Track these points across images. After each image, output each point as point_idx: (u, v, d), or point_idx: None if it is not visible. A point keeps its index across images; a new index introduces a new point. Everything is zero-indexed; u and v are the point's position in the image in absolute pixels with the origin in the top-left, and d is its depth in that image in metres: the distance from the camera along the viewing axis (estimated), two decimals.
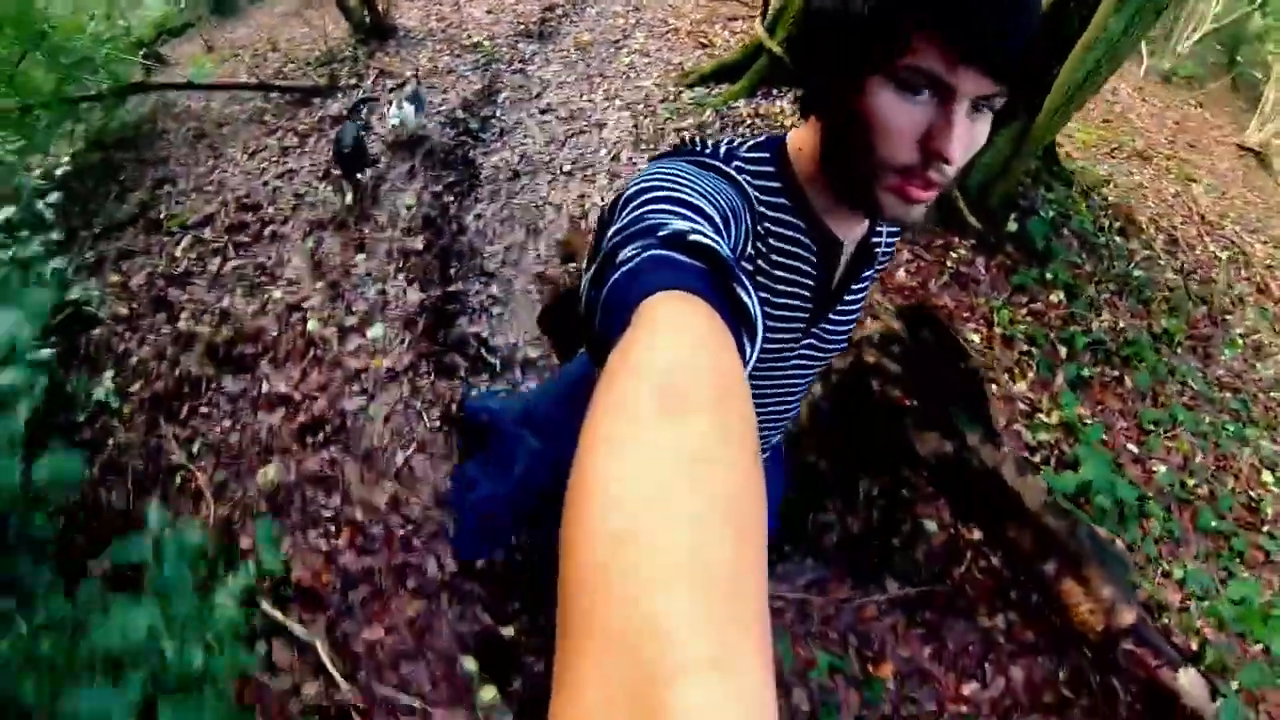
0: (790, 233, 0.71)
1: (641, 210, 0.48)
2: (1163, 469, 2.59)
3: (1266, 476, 2.74)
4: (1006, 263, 3.18)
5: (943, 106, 0.57)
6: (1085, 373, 2.85)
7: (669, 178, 0.54)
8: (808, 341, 0.81)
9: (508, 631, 1.88)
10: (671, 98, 4.24)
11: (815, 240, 0.72)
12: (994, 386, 2.66)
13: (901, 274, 3.03)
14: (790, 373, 0.83)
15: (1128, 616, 1.87)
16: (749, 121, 3.91)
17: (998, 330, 2.89)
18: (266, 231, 3.18)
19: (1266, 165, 6.30)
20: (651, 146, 3.79)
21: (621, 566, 0.23)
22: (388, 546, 1.97)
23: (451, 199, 3.49)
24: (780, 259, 0.71)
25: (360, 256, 3.08)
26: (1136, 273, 3.44)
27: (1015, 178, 3.23)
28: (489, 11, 5.65)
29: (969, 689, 1.91)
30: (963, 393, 1.99)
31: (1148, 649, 1.87)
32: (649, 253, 0.42)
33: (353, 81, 4.45)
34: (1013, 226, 3.21)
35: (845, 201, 0.69)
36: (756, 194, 0.68)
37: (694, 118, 3.99)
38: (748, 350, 0.40)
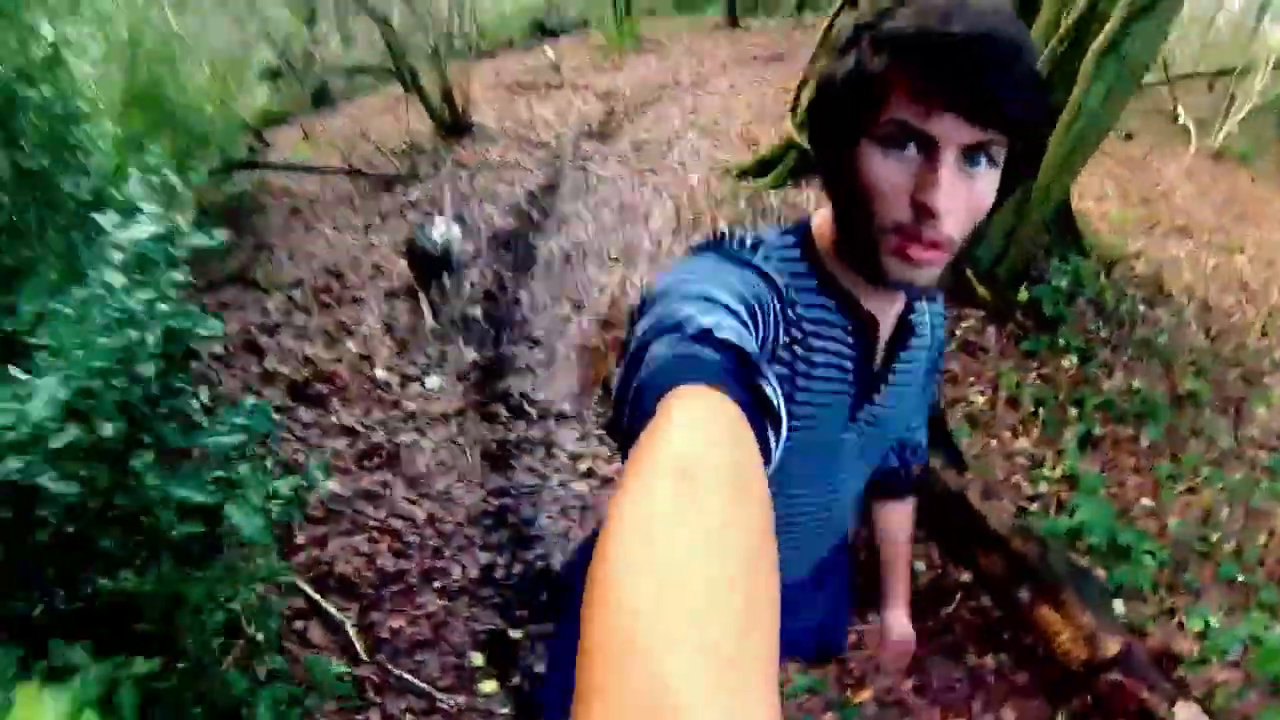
0: (822, 314, 0.72)
1: (668, 307, 0.49)
2: (1174, 521, 2.60)
3: None
4: (1017, 331, 3.32)
5: (928, 159, 0.58)
6: (1096, 430, 2.91)
7: (696, 274, 0.56)
8: (858, 425, 0.80)
9: (516, 634, 2.11)
10: (714, 192, 4.68)
11: (848, 318, 0.73)
12: (994, 442, 2.77)
13: None
14: (841, 460, 0.83)
15: (1112, 645, 1.91)
16: (779, 210, 4.26)
17: (1003, 393, 3.01)
18: (348, 295, 3.71)
19: None
20: (693, 232, 4.19)
21: (637, 636, 0.25)
22: (420, 552, 2.26)
23: (510, 274, 3.96)
24: (815, 341, 0.72)
25: (427, 318, 3.54)
26: (1160, 339, 3.49)
27: (1023, 248, 3.41)
28: (557, 113, 6.38)
29: None
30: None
31: (1138, 679, 1.89)
32: (675, 349, 0.43)
33: (431, 171, 5.13)
34: (1024, 296, 3.36)
35: (856, 270, 0.70)
36: (786, 280, 0.70)
37: (730, 207, 4.39)
38: (772, 441, 0.42)
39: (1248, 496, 2.78)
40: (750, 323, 0.53)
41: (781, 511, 0.65)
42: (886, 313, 0.75)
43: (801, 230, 0.74)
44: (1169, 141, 7.55)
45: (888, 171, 0.59)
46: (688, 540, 0.28)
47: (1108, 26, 2.86)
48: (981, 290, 3.36)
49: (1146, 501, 2.70)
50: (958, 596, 2.25)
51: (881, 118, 0.58)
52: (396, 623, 2.03)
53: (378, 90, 8.03)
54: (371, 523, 2.34)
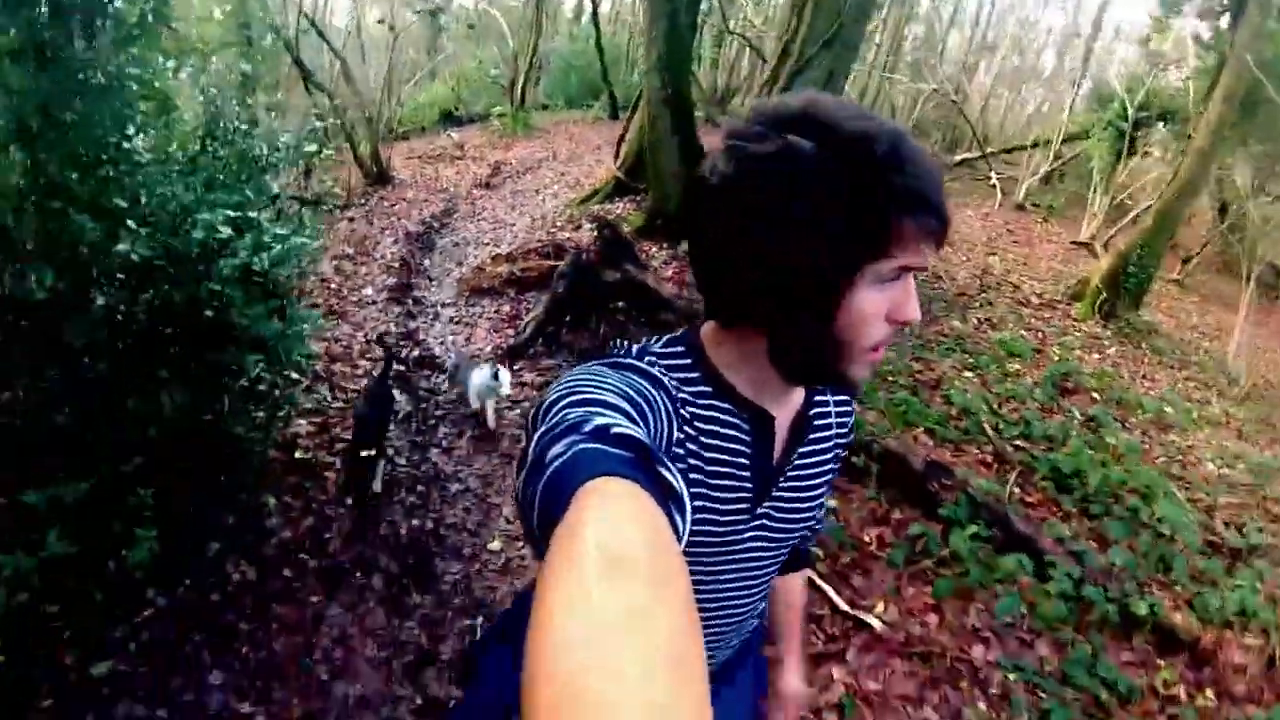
0: (716, 414, 0.73)
1: (563, 412, 0.52)
2: (955, 392, 4.54)
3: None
4: None
5: (902, 282, 0.64)
6: None
7: (584, 382, 0.59)
8: (759, 522, 0.81)
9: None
10: (558, 210, 6.86)
11: (744, 418, 0.74)
12: None
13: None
14: (747, 557, 0.83)
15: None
16: (595, 213, 6.44)
17: None
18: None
19: (1093, 252, 8.92)
20: (541, 229, 6.29)
21: (580, 697, 0.27)
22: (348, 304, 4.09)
23: (421, 244, 5.95)
24: (710, 439, 0.73)
25: (362, 269, 5.43)
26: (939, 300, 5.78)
27: None
28: (456, 173, 8.56)
29: None
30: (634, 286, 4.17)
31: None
32: (577, 447, 0.45)
33: (362, 202, 7.14)
34: None
35: (811, 384, 0.74)
36: (675, 381, 0.72)
37: (565, 216, 6.55)
38: (679, 522, 0.44)
39: (964, 362, 4.81)
40: (639, 418, 0.57)
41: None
42: (782, 409, 0.77)
43: (685, 339, 0.76)
44: (985, 199, 10.65)
45: (877, 303, 0.64)
46: (616, 615, 0.30)
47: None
48: None
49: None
50: None
51: (889, 263, 0.62)
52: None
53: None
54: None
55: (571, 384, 0.58)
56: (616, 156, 7.17)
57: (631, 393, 0.60)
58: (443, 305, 4.81)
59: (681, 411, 0.71)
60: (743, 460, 0.75)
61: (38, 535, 1.73)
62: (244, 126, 2.47)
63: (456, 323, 4.50)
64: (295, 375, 2.64)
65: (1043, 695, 2.23)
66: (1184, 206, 8.80)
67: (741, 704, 1.06)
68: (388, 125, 8.99)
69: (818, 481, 0.85)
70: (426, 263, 5.69)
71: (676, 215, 5.83)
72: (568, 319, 4.08)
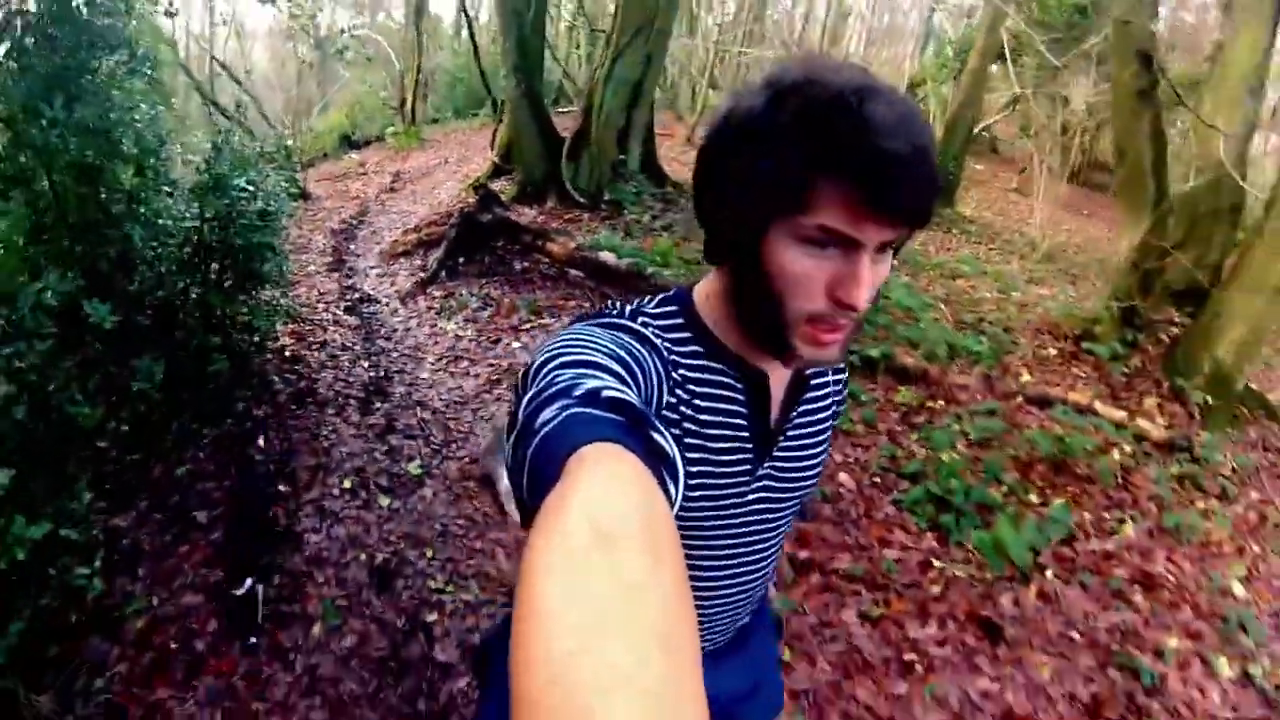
0: (710, 375, 0.73)
1: (553, 375, 0.52)
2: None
3: None
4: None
5: (848, 258, 0.60)
6: None
7: (575, 342, 0.58)
8: (762, 484, 0.81)
9: None
10: (452, 197, 8.38)
11: (738, 378, 0.74)
12: None
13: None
14: (754, 521, 0.83)
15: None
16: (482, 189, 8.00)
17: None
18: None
19: (1022, 193, 11.20)
20: (438, 209, 7.80)
21: (571, 683, 0.26)
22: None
23: (345, 237, 7.41)
24: (704, 402, 0.73)
25: (304, 256, 6.87)
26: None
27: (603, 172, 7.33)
28: (363, 186, 9.98)
29: None
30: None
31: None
32: (568, 412, 0.45)
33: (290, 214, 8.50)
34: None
35: (760, 346, 0.72)
36: (667, 342, 0.72)
37: (458, 196, 8.08)
38: (671, 487, 0.44)
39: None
40: (630, 380, 0.56)
41: (700, 580, 0.81)
42: (777, 368, 0.76)
43: (681, 297, 0.76)
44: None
45: (805, 268, 0.61)
46: (608, 588, 0.29)
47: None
48: (575, 194, 7.21)
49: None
50: None
51: (807, 221, 0.59)
52: None
53: None
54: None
55: (562, 344, 0.58)
56: (492, 146, 8.75)
57: (622, 353, 0.60)
58: (370, 269, 6.31)
59: (674, 374, 0.71)
60: (739, 421, 0.75)
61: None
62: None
63: (382, 277, 6.02)
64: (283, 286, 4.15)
65: None
66: (967, 115, 11.05)
67: (766, 671, 1.07)
68: (298, 147, 10.28)
69: (817, 440, 0.85)
70: (352, 246, 7.16)
71: (539, 184, 7.48)
72: (460, 257, 5.66)
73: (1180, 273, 5.02)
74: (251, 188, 3.48)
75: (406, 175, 10.48)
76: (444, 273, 5.55)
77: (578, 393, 0.47)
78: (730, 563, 0.85)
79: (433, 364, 4.36)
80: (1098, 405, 4.12)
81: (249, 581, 2.50)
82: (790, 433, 0.82)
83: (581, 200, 7.24)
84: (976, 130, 12.50)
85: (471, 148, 11.79)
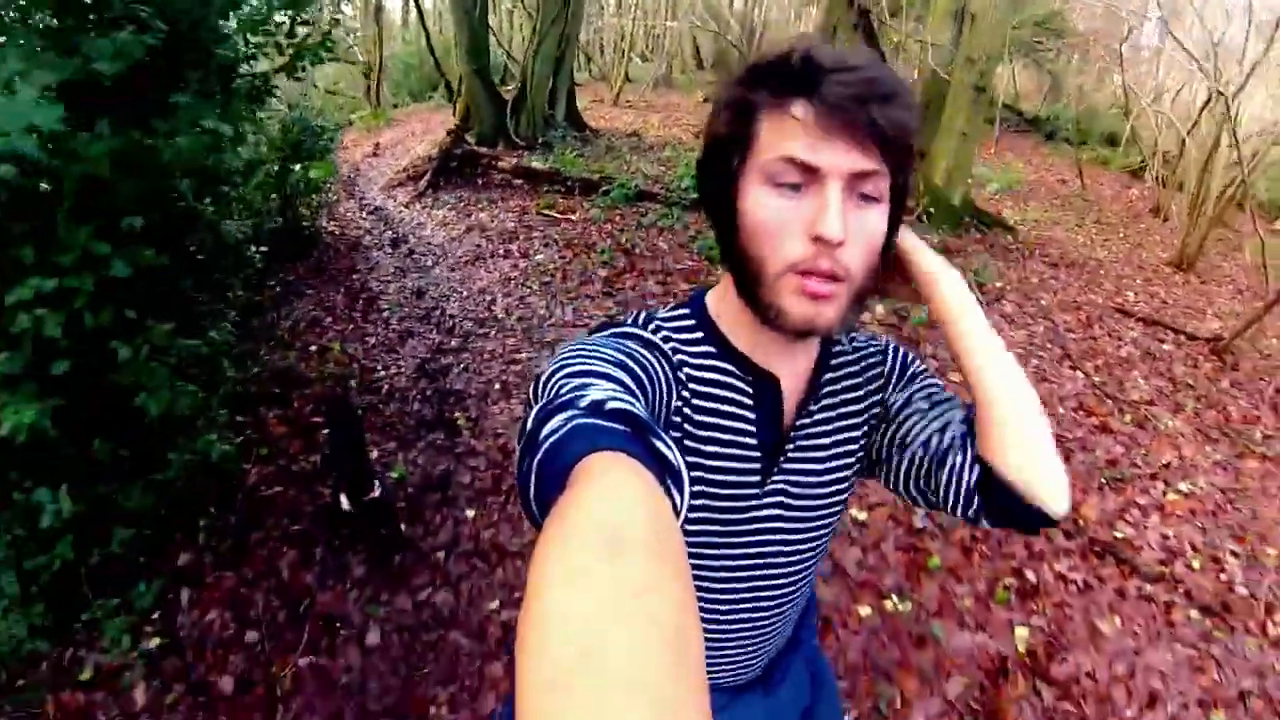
0: (718, 376, 0.73)
1: (559, 386, 0.53)
2: None
3: None
4: None
5: (821, 195, 0.60)
6: None
7: (581, 353, 0.59)
8: (775, 498, 0.77)
9: None
10: (427, 151, 10.92)
11: (748, 381, 0.73)
12: None
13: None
14: (770, 539, 0.79)
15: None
16: (440, 146, 10.61)
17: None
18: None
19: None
20: (408, 158, 10.37)
21: (576, 688, 0.26)
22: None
23: (350, 183, 9.98)
24: (708, 404, 0.73)
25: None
26: None
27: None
28: (350, 155, 12.50)
29: None
30: None
31: None
32: (574, 422, 0.45)
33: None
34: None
35: (760, 320, 0.68)
36: (677, 346, 0.73)
37: (423, 151, 10.66)
38: (675, 496, 0.44)
39: None
40: (637, 389, 0.57)
41: (707, 601, 0.79)
42: (792, 373, 0.75)
43: (697, 300, 0.76)
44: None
45: (778, 210, 0.61)
46: (616, 594, 0.29)
47: None
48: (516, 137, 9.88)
49: None
50: None
51: (769, 156, 0.60)
52: None
53: None
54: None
55: (570, 355, 0.59)
56: (453, 113, 11.35)
57: (630, 362, 0.60)
58: (376, 195, 8.93)
59: (680, 374, 0.71)
60: (745, 425, 0.73)
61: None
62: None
63: (387, 198, 8.65)
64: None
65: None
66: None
67: (817, 703, 1.02)
68: None
69: (837, 453, 0.79)
70: (358, 187, 9.74)
71: (491, 135, 10.13)
72: (441, 179, 8.31)
73: None
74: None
75: (382, 146, 12.99)
76: (430, 189, 8.21)
77: (583, 403, 0.48)
78: (741, 585, 0.80)
79: (430, 229, 7.05)
80: None
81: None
82: (801, 440, 0.77)
83: (521, 143, 9.91)
84: None
85: (431, 123, 14.29)
